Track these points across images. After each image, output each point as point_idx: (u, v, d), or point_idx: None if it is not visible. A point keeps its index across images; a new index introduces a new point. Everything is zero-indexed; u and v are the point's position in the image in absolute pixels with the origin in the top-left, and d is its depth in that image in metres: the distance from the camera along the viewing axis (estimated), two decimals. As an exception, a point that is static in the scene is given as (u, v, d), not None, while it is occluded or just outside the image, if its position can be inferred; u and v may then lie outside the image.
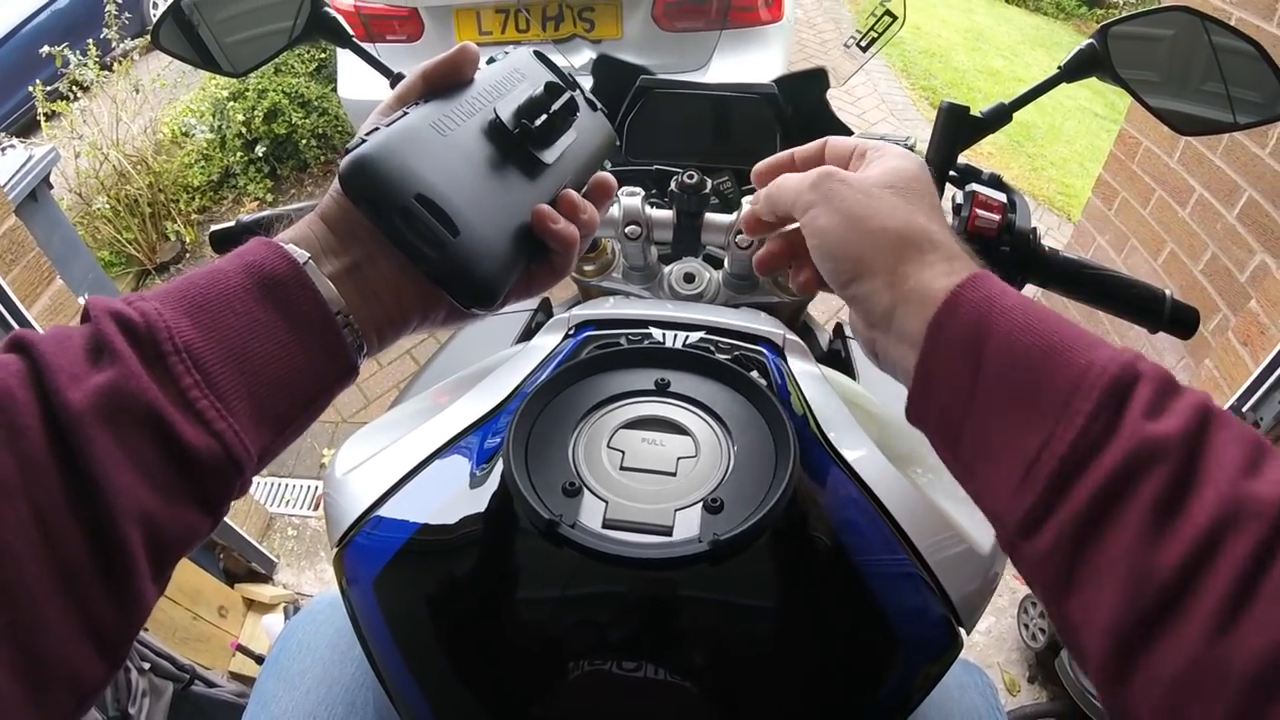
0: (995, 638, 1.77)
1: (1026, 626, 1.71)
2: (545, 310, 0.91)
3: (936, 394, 0.37)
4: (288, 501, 2.26)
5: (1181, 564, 0.27)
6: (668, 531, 0.41)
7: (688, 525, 0.41)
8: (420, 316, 0.42)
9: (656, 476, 0.44)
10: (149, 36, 0.73)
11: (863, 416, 0.56)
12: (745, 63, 2.30)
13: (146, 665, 1.34)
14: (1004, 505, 0.33)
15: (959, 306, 0.35)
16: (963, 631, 0.46)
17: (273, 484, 2.32)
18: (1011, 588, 1.84)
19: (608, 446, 0.46)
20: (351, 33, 0.75)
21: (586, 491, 0.43)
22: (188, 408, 0.32)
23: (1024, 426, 0.32)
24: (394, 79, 0.72)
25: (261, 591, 1.94)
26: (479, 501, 0.47)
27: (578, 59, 2.24)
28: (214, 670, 1.62)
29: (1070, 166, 3.79)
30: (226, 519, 1.92)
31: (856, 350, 0.84)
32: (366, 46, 0.75)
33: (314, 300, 0.36)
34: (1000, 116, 0.67)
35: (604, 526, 0.41)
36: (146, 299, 0.33)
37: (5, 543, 0.27)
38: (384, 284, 0.39)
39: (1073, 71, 0.65)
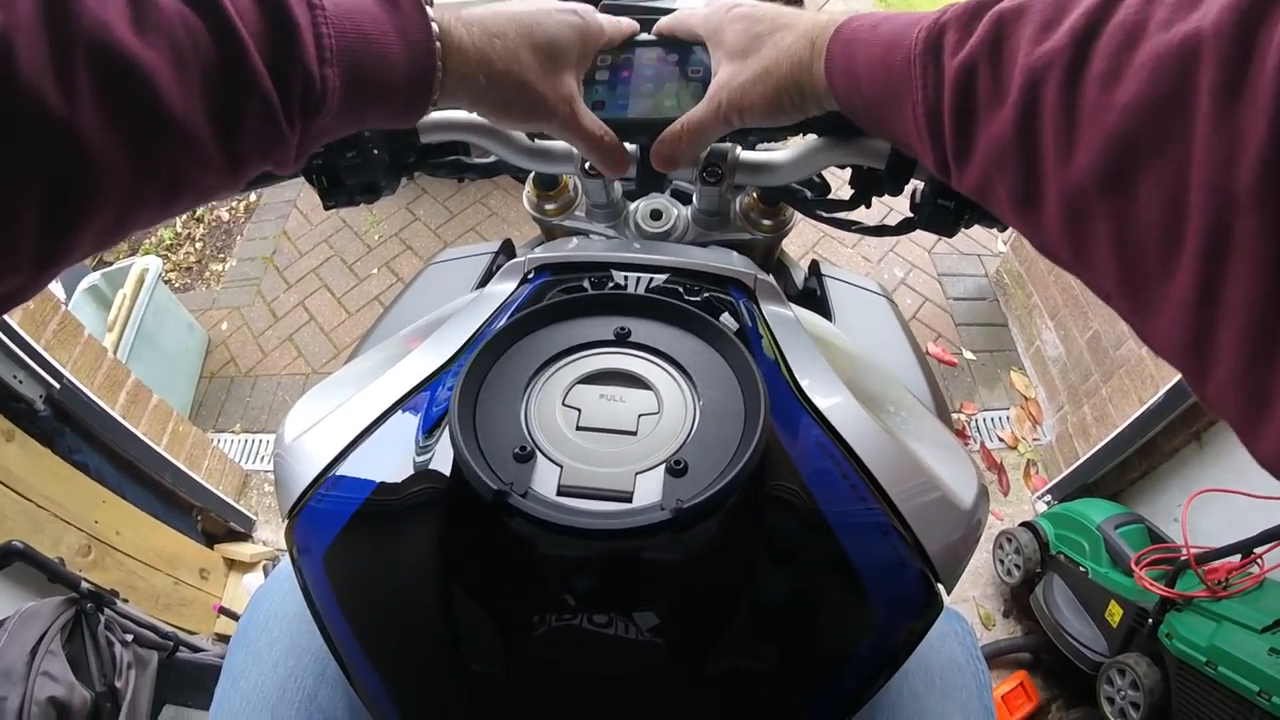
0: (971, 573, 1.81)
1: (1002, 562, 1.74)
2: (507, 251, 0.86)
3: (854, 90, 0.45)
4: (262, 457, 2.22)
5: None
6: (627, 497, 0.38)
7: (649, 490, 0.38)
8: (491, 111, 0.49)
9: (616, 436, 0.41)
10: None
11: (836, 357, 0.54)
12: None
13: (129, 637, 1.33)
14: (926, 161, 0.42)
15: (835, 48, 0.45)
16: (942, 589, 0.43)
17: (246, 440, 2.29)
18: (987, 524, 1.87)
19: (563, 404, 0.43)
20: None
21: (539, 455, 0.40)
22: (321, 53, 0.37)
23: (897, 108, 0.41)
24: None
25: (241, 550, 1.92)
26: (428, 464, 0.43)
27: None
28: (199, 635, 1.61)
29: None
30: (201, 480, 1.89)
31: (832, 288, 0.80)
32: None
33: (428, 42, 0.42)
34: None
35: (558, 494, 0.38)
36: None
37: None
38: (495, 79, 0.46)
39: None
